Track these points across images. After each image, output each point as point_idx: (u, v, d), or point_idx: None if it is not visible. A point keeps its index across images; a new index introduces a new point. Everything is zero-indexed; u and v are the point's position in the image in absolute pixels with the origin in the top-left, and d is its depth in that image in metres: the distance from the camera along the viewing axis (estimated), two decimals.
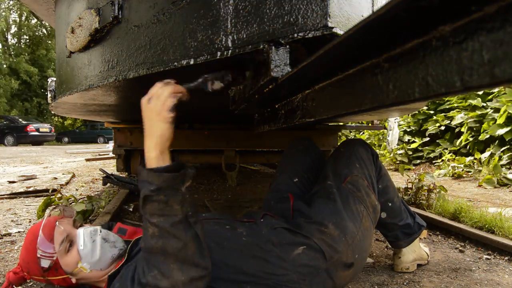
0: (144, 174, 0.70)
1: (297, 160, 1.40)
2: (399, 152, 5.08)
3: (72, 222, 0.99)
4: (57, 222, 0.95)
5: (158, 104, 0.72)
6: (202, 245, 0.75)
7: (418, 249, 1.42)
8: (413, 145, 5.18)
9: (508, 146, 3.81)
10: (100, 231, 0.96)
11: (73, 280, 0.94)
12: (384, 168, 1.33)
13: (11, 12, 23.48)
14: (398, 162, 5.00)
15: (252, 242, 0.99)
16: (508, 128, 3.83)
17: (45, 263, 0.91)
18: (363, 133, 7.21)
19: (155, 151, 0.71)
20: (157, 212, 0.70)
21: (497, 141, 4.00)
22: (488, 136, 4.05)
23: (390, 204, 1.31)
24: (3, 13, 21.28)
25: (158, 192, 0.69)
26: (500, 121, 3.93)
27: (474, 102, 4.56)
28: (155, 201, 0.69)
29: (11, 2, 22.64)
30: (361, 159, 1.24)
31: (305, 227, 1.06)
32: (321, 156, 1.45)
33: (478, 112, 4.45)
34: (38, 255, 0.91)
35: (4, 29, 21.65)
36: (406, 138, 5.51)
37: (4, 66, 20.07)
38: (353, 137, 6.95)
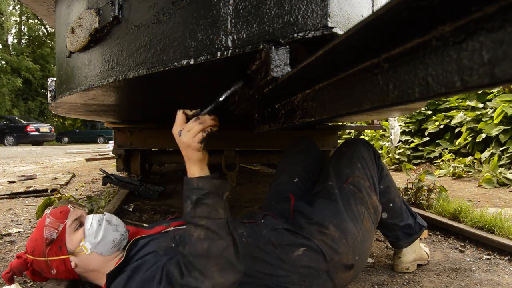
0: (194, 181, 0.80)
1: (298, 160, 1.40)
2: (398, 151, 5.08)
3: (85, 211, 1.06)
4: (69, 205, 1.03)
5: (188, 137, 0.80)
6: (239, 250, 0.81)
7: (419, 249, 1.41)
8: (412, 145, 5.19)
9: (505, 147, 3.81)
10: (105, 214, 1.02)
11: (73, 264, 0.95)
12: (386, 168, 1.33)
13: (16, 9, 23.55)
14: (398, 162, 5.00)
15: (253, 243, 0.99)
16: (504, 129, 3.83)
17: (50, 234, 0.95)
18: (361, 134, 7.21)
19: (197, 168, 0.82)
20: (205, 215, 0.77)
21: (494, 141, 4.00)
22: (485, 136, 4.06)
23: (391, 205, 1.30)
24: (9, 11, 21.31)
25: (208, 196, 0.78)
26: (496, 121, 3.94)
27: (472, 103, 4.57)
28: (205, 204, 0.78)
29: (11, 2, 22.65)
30: (363, 159, 1.23)
31: (305, 228, 1.06)
32: (321, 156, 1.45)
33: (477, 112, 4.45)
34: (46, 223, 0.96)
35: (10, 28, 21.68)
36: (404, 138, 5.50)
37: (4, 64, 20.07)
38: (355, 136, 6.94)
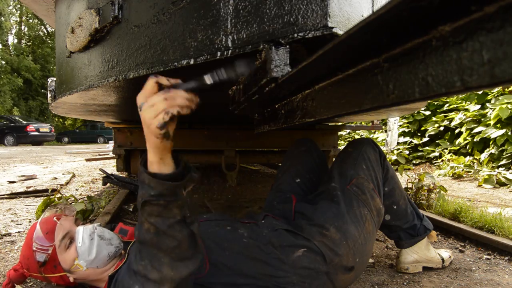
0: (145, 177, 0.66)
1: (299, 161, 1.40)
2: (396, 152, 5.08)
3: (74, 220, 1.00)
4: (55, 218, 0.97)
5: (149, 115, 0.61)
6: (196, 242, 0.74)
7: (425, 252, 1.38)
8: (412, 145, 5.19)
9: (502, 148, 3.82)
10: (96, 229, 0.96)
11: (71, 279, 0.95)
12: (391, 170, 1.30)
13: (16, 9, 23.55)
14: (395, 163, 5.00)
15: (253, 243, 0.99)
16: (501, 132, 3.84)
17: (41, 257, 0.92)
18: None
19: (155, 157, 0.65)
20: (155, 214, 0.68)
21: (491, 141, 4.01)
22: (484, 136, 4.06)
23: (395, 207, 1.29)
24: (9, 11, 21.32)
25: (159, 198, 0.66)
26: (492, 123, 3.96)
27: (469, 106, 4.59)
28: (155, 205, 0.67)
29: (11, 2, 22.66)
30: (368, 160, 1.22)
31: (306, 229, 1.06)
32: (323, 157, 1.45)
33: (476, 113, 4.46)
34: (34, 248, 0.92)
35: (9, 28, 21.68)
36: (402, 139, 5.51)
37: (4, 64, 20.07)
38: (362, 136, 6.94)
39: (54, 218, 0.97)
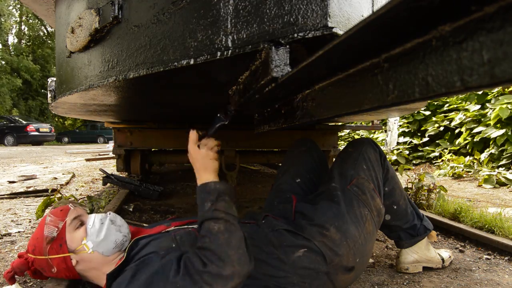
0: (212, 184, 0.92)
1: (300, 161, 1.40)
2: (396, 152, 5.08)
3: (86, 211, 1.06)
4: (70, 205, 1.04)
5: (207, 150, 0.98)
6: (248, 246, 0.87)
7: (425, 252, 1.38)
8: (412, 145, 5.19)
9: (502, 148, 3.82)
10: (109, 214, 1.03)
11: (74, 261, 0.95)
12: (392, 170, 1.30)
13: (17, 9, 23.56)
14: (395, 163, 5.00)
15: (254, 244, 0.99)
16: (501, 132, 3.84)
17: (50, 232, 0.95)
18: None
19: (212, 176, 0.95)
20: (224, 210, 0.87)
21: (491, 141, 4.01)
22: (484, 136, 4.07)
23: (395, 207, 1.29)
24: (7, 12, 21.32)
25: (225, 195, 0.90)
26: (492, 123, 3.96)
27: (469, 106, 4.60)
28: (224, 200, 0.89)
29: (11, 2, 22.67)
30: (368, 160, 1.22)
31: (306, 229, 1.06)
32: (323, 157, 1.45)
33: (476, 113, 4.46)
34: (46, 222, 0.97)
35: (8, 29, 21.68)
36: (402, 139, 5.51)
37: (4, 64, 20.07)
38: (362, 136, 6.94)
39: (70, 205, 1.04)
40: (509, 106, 3.85)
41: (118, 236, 0.98)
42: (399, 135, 5.60)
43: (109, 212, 1.05)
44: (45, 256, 0.95)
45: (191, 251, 0.86)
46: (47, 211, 2.02)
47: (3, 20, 20.29)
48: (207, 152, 0.97)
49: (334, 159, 1.50)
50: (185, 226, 1.05)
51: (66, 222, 0.97)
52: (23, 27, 24.83)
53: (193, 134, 1.01)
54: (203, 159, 0.97)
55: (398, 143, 5.39)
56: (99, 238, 0.96)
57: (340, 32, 0.71)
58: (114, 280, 0.87)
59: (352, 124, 3.44)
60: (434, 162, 4.82)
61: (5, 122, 15.21)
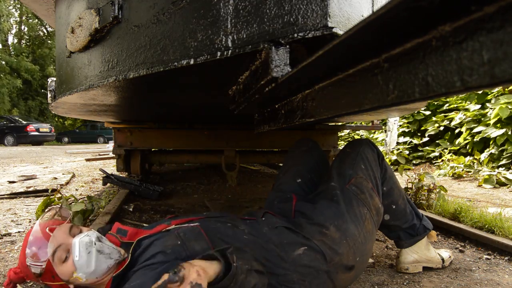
0: (233, 267, 0.78)
1: (301, 161, 1.40)
2: (396, 152, 5.08)
3: (69, 230, 0.94)
4: (48, 230, 0.92)
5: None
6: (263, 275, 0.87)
7: (425, 251, 1.38)
8: (412, 145, 5.19)
9: (502, 148, 3.82)
10: (95, 244, 0.92)
11: (71, 286, 0.93)
12: (390, 170, 1.31)
13: (16, 9, 23.56)
14: (395, 163, 5.00)
15: (254, 240, 0.99)
16: (501, 131, 3.84)
17: (36, 270, 0.90)
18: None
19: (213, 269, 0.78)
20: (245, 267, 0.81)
21: (491, 141, 4.01)
22: (484, 136, 4.07)
23: (394, 207, 1.29)
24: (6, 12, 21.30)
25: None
26: (492, 123, 3.96)
27: (469, 106, 4.60)
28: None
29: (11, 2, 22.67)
30: (366, 160, 1.22)
31: (306, 228, 1.06)
32: (324, 157, 1.45)
33: (476, 112, 4.46)
34: (27, 264, 0.90)
35: (7, 30, 21.68)
36: (402, 139, 5.51)
37: (4, 64, 20.06)
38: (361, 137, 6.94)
39: (47, 230, 0.92)
40: (509, 106, 3.85)
41: (109, 262, 0.92)
42: (399, 135, 5.61)
43: (93, 239, 0.92)
44: (40, 282, 0.94)
45: None
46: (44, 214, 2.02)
47: (2, 20, 20.28)
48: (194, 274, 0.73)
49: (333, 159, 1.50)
50: (186, 224, 1.04)
51: (49, 260, 0.89)
52: (23, 27, 24.83)
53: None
54: (196, 273, 0.74)
55: (398, 143, 5.39)
56: (90, 269, 0.89)
57: (340, 32, 0.71)
58: (120, 282, 0.87)
59: (352, 124, 3.44)
60: (434, 162, 4.82)
61: (5, 122, 15.20)
